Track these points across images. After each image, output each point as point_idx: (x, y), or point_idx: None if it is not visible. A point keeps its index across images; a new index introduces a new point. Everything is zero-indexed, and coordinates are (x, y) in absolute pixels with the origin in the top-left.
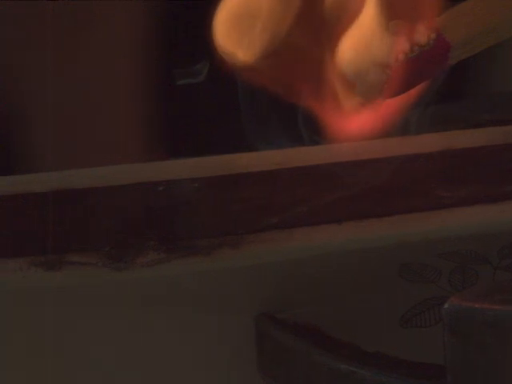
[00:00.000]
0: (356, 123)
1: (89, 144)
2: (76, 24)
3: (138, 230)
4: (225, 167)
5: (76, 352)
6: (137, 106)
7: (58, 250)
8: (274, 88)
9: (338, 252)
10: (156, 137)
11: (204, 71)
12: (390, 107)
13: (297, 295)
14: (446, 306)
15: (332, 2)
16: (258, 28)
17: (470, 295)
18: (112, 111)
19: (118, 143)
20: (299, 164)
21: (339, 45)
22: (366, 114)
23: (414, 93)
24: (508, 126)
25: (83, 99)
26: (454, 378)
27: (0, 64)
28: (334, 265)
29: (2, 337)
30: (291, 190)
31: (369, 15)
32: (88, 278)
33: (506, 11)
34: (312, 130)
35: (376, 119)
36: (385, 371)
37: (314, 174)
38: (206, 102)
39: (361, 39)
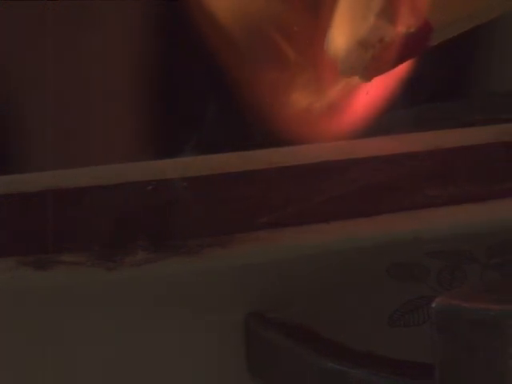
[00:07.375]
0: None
1: (88, 144)
2: (76, 24)
3: (127, 230)
4: (214, 166)
5: (64, 353)
6: (135, 106)
7: (48, 250)
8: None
9: (328, 251)
10: (154, 136)
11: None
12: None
13: (287, 295)
14: (433, 304)
15: None
16: None
17: (458, 294)
18: (111, 111)
19: (116, 143)
20: (289, 163)
21: (323, 23)
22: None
23: (394, 74)
24: (498, 125)
25: (82, 99)
26: (442, 377)
27: (0, 64)
28: (324, 264)
29: None
30: (281, 189)
31: None
32: (77, 277)
33: None
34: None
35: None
36: (374, 370)
37: (304, 174)
38: (203, 101)
39: (344, 18)
